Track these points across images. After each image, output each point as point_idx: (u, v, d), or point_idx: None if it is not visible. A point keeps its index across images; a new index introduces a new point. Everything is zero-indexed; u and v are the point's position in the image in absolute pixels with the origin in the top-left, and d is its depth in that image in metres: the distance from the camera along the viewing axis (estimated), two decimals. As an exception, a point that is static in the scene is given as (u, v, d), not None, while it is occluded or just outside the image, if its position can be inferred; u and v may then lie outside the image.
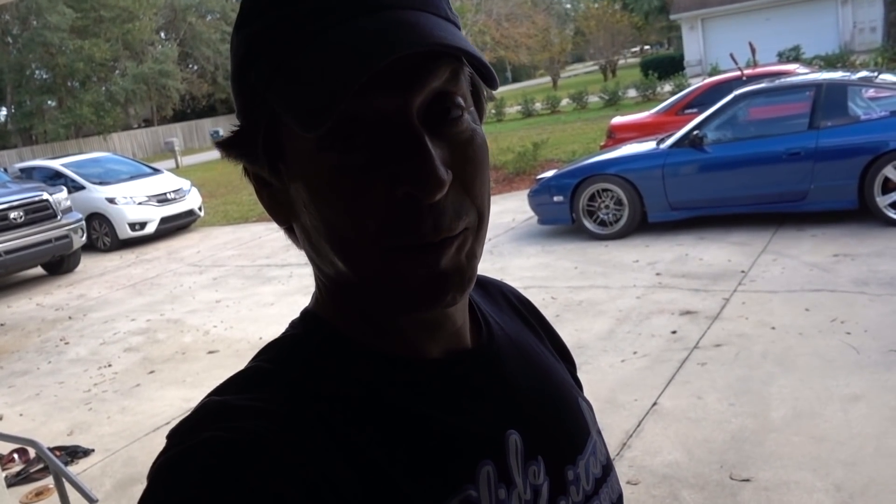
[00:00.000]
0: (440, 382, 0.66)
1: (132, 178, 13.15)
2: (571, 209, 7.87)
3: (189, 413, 0.59)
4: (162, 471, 0.55)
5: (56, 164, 13.43)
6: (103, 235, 12.37)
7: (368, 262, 0.59)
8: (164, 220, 12.45)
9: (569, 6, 59.57)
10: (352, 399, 0.61)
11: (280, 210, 0.64)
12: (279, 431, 0.56)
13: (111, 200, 12.26)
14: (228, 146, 0.63)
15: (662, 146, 7.67)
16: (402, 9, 0.56)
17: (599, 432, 0.81)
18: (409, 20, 0.55)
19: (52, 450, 3.67)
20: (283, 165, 0.60)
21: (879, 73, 7.92)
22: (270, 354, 0.66)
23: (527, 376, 0.74)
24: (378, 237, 0.57)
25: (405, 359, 0.65)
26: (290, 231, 0.67)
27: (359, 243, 0.58)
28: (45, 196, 10.23)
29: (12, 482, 4.28)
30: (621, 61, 43.30)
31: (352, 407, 0.61)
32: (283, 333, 0.69)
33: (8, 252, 9.58)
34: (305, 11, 0.56)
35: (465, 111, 0.60)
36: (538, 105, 24.60)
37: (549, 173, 8.51)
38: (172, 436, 0.58)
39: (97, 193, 12.38)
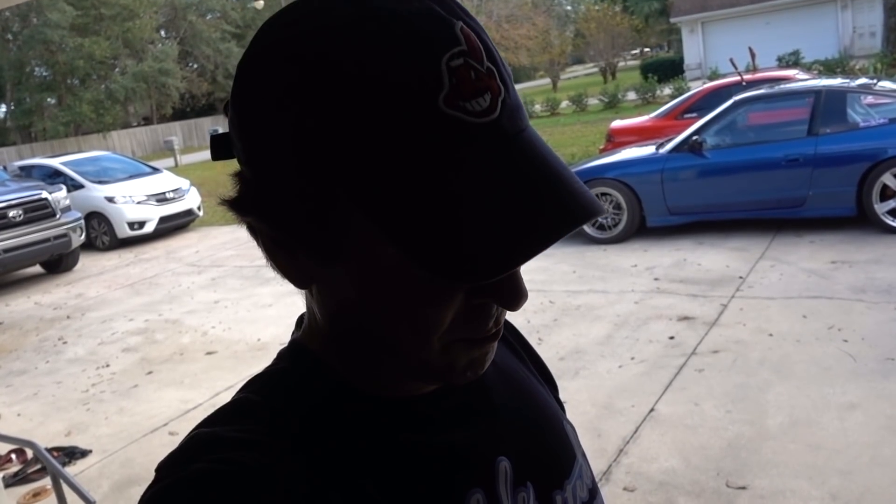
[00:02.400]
0: (429, 411, 0.65)
1: (131, 177, 13.14)
2: (570, 213, 7.86)
3: (177, 446, 0.59)
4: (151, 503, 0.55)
5: (55, 162, 13.41)
6: (102, 234, 12.36)
7: (425, 352, 0.58)
8: (162, 220, 12.44)
9: (569, 8, 59.60)
10: (339, 430, 0.61)
11: (303, 277, 0.60)
12: (267, 463, 0.56)
13: (110, 199, 12.25)
14: (244, 208, 0.57)
15: (662, 151, 7.69)
16: (520, 133, 0.54)
17: (584, 455, 0.81)
18: (541, 159, 0.53)
19: (49, 450, 3.67)
20: (332, 248, 0.55)
21: (878, 81, 7.94)
22: (258, 386, 0.65)
23: (514, 402, 0.74)
24: (443, 334, 0.57)
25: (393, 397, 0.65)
26: (304, 288, 0.63)
27: (420, 341, 0.57)
28: (45, 195, 10.22)
29: (10, 483, 4.28)
30: (621, 64, 43.35)
31: (339, 438, 0.61)
32: (271, 366, 0.68)
33: (6, 250, 9.57)
34: (423, 128, 0.50)
35: None
36: (538, 107, 24.65)
37: (549, 177, 8.50)
38: (161, 469, 0.57)
39: (96, 192, 12.37)
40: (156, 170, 13.94)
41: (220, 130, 0.63)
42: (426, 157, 0.50)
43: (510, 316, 0.88)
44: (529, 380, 0.81)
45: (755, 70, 11.49)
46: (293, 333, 0.71)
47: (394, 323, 0.57)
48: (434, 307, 0.55)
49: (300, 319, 0.71)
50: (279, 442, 0.58)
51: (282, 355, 0.68)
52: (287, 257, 0.58)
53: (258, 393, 0.64)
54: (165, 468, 0.57)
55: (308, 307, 0.66)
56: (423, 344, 0.57)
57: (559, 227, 0.50)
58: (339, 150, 0.50)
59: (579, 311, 5.90)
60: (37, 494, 4.15)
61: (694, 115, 9.43)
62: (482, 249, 0.48)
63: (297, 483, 0.56)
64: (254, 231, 0.60)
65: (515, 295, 0.56)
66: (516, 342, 0.86)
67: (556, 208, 0.50)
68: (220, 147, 0.61)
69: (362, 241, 0.53)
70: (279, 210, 0.55)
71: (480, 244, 0.48)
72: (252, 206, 0.57)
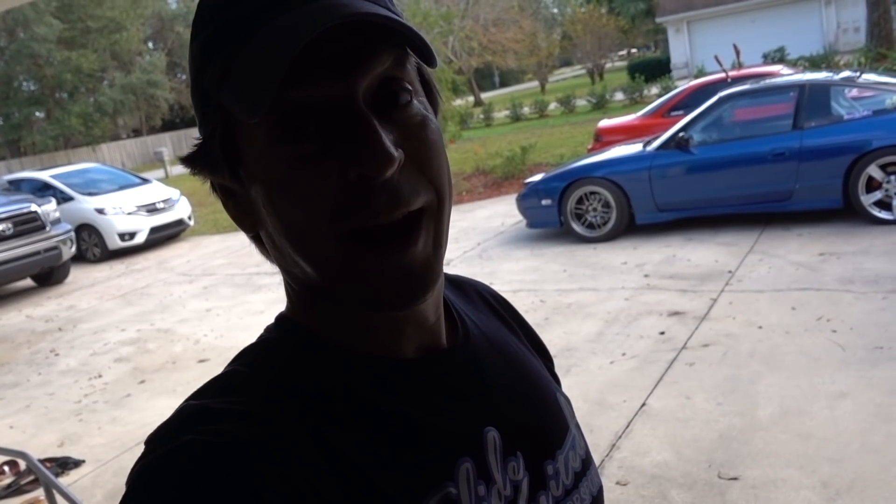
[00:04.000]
0: (417, 381, 0.66)
1: (121, 188, 13.11)
2: (560, 212, 7.90)
3: (166, 419, 0.59)
4: (142, 476, 0.55)
5: (44, 175, 13.37)
6: (93, 246, 12.33)
7: (326, 254, 0.58)
8: (153, 230, 12.42)
9: (556, 11, 59.79)
10: (329, 400, 0.62)
11: (245, 218, 0.65)
12: (258, 433, 0.56)
13: (100, 211, 12.22)
14: (192, 160, 0.64)
15: (649, 148, 7.72)
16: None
17: (578, 426, 0.81)
18: (342, 2, 0.56)
19: (42, 461, 3.66)
20: (242, 169, 0.61)
21: (862, 73, 7.99)
22: (247, 359, 0.66)
23: (504, 373, 0.74)
24: (332, 222, 0.57)
25: (380, 359, 0.65)
26: (256, 240, 0.67)
27: (315, 233, 0.58)
28: (34, 208, 10.19)
29: (3, 494, 4.27)
30: (608, 65, 43.49)
31: (329, 407, 0.61)
32: (258, 338, 0.69)
33: (-3, 264, 9.55)
34: (249, 12, 0.57)
35: (413, 96, 0.60)
36: (526, 109, 24.72)
37: (538, 177, 8.55)
38: (151, 441, 0.57)
39: (86, 204, 12.35)
40: (146, 180, 13.92)
41: None
42: (247, 24, 0.57)
43: (516, 297, 0.89)
44: (521, 351, 0.81)
45: (740, 67, 11.55)
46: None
47: (290, 219, 0.59)
48: (310, 187, 0.57)
49: None
50: (269, 413, 0.58)
51: (269, 328, 0.70)
52: (234, 203, 0.65)
53: (248, 365, 0.65)
54: (155, 440, 0.57)
55: (283, 280, 0.68)
56: (318, 236, 0.58)
57: (303, 34, 0.53)
58: (204, 65, 0.60)
59: (570, 309, 5.92)
60: (30, 505, 4.14)
61: (680, 112, 9.47)
62: (258, 78, 0.54)
63: (287, 453, 0.56)
64: (214, 188, 0.67)
65: (370, 151, 0.55)
66: (508, 315, 0.86)
67: (308, 23, 0.53)
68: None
69: (246, 144, 0.59)
70: (209, 153, 0.62)
71: (258, 74, 0.54)
72: (196, 158, 0.64)
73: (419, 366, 0.67)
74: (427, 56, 0.58)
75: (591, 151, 10.02)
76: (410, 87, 0.60)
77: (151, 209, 12.54)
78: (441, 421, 0.65)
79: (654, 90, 21.20)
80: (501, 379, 0.73)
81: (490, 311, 0.84)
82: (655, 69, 28.95)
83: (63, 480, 4.09)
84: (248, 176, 0.61)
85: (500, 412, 0.70)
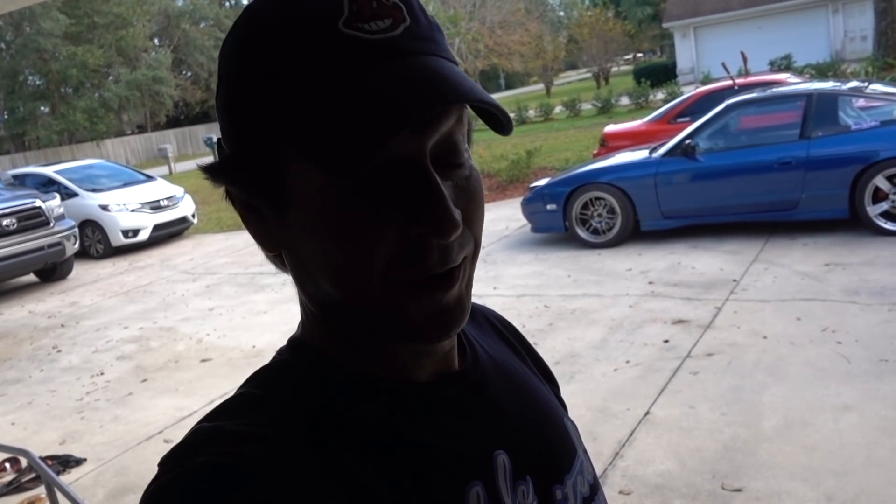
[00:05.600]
0: (428, 405, 0.66)
1: (125, 185, 13.13)
2: (564, 217, 7.89)
3: (180, 440, 0.59)
4: (156, 497, 0.55)
5: (49, 170, 13.40)
6: (96, 242, 12.34)
7: (369, 292, 0.59)
8: (157, 228, 12.43)
9: (562, 14, 59.80)
10: (340, 422, 0.62)
11: (270, 238, 0.64)
12: (270, 455, 0.56)
13: (104, 207, 12.23)
14: (217, 173, 0.62)
15: (655, 155, 7.71)
16: (423, 55, 0.57)
17: (586, 451, 0.81)
18: (435, 68, 0.56)
19: (43, 459, 3.66)
20: (282, 196, 0.59)
21: (870, 84, 7.98)
22: (259, 381, 0.66)
23: (512, 398, 0.74)
24: (383, 272, 0.57)
25: (393, 382, 0.65)
26: (277, 258, 0.66)
27: (360, 277, 0.58)
28: (38, 203, 10.20)
29: (4, 492, 4.27)
30: (614, 69, 43.46)
31: (341, 430, 0.61)
32: (271, 361, 0.69)
33: (0, 259, 9.55)
34: (325, 50, 0.55)
35: (467, 152, 0.61)
36: (531, 112, 24.69)
37: (543, 181, 8.54)
38: (164, 463, 0.58)
39: (90, 200, 12.36)
40: (150, 177, 13.94)
41: (215, 138, 0.68)
42: (327, 73, 0.54)
43: (506, 317, 0.88)
44: (528, 377, 0.82)
45: (747, 74, 11.54)
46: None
47: (338, 263, 0.58)
48: (368, 233, 0.56)
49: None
50: (282, 435, 0.58)
51: (281, 351, 0.70)
52: (257, 221, 0.63)
53: (260, 387, 0.65)
54: (169, 462, 0.57)
55: (300, 302, 0.68)
56: (366, 283, 0.58)
57: (420, 106, 0.52)
58: (264, 93, 0.57)
59: (574, 315, 5.91)
60: (31, 503, 4.14)
61: (687, 119, 9.47)
62: (353, 138, 0.52)
63: (300, 476, 0.56)
64: (231, 199, 0.65)
65: (437, 216, 0.55)
66: (515, 340, 0.86)
67: (421, 92, 0.53)
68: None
69: (296, 174, 0.57)
70: (242, 171, 0.60)
71: (352, 133, 0.52)
72: (222, 171, 0.62)
73: (431, 389, 0.67)
74: (506, 129, 0.59)
75: (597, 156, 10.01)
76: (466, 143, 0.61)
77: (155, 206, 12.54)
78: (452, 444, 0.65)
79: (660, 95, 21.18)
80: (510, 403, 0.74)
81: (497, 336, 0.84)
82: (661, 74, 28.95)
83: (64, 479, 4.09)
84: (289, 204, 0.59)
85: (509, 436, 0.70)
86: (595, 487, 0.78)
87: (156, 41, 46.34)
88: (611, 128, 11.96)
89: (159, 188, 13.24)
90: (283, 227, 0.61)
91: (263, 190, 0.60)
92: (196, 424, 0.61)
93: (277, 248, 0.64)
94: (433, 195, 0.56)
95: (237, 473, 0.54)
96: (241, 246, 10.75)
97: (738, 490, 3.25)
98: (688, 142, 7.45)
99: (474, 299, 0.68)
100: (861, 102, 7.20)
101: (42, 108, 40.34)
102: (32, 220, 10.01)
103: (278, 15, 0.57)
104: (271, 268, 0.69)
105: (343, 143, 0.52)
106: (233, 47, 0.60)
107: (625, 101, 23.29)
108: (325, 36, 0.55)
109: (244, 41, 0.59)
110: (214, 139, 0.70)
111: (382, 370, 0.65)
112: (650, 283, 6.41)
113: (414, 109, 0.52)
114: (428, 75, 0.55)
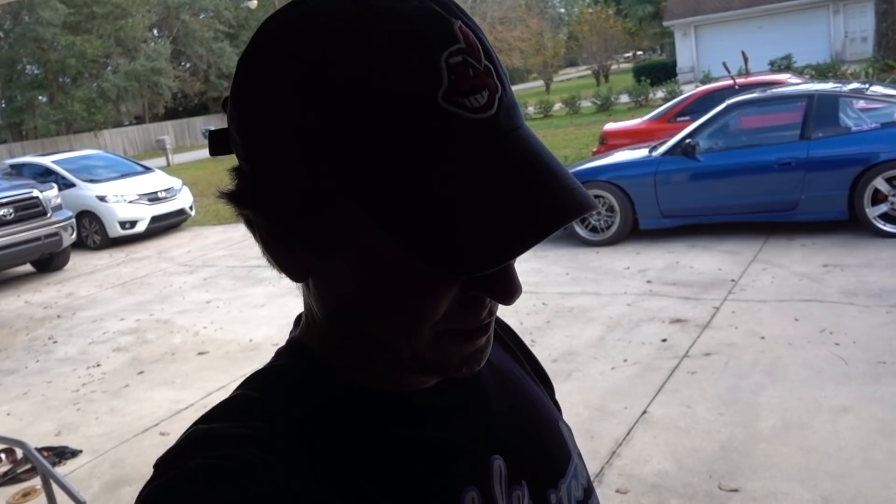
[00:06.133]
0: (425, 410, 0.66)
1: (123, 176, 13.09)
2: (563, 215, 7.87)
3: (175, 442, 0.59)
4: (150, 500, 0.54)
5: (46, 160, 13.35)
6: (93, 233, 12.31)
7: (416, 339, 0.58)
8: (154, 219, 12.40)
9: (562, 11, 59.75)
10: (337, 426, 0.61)
11: (299, 269, 0.60)
12: (266, 458, 0.56)
13: (102, 198, 12.20)
14: (242, 201, 0.58)
15: (655, 154, 7.71)
16: (516, 129, 0.54)
17: (580, 455, 0.82)
18: (542, 162, 0.53)
19: (39, 450, 3.65)
20: (331, 243, 0.56)
21: (870, 85, 7.98)
22: (256, 383, 0.65)
23: (509, 401, 0.74)
24: (437, 323, 0.57)
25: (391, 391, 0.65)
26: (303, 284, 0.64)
27: (412, 325, 0.57)
28: (35, 193, 10.17)
29: (-1, 483, 4.26)
30: (614, 66, 43.46)
31: (337, 434, 0.61)
32: (269, 363, 0.68)
33: (-3, 249, 9.53)
34: (425, 126, 0.50)
35: None
36: (531, 109, 24.68)
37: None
38: (159, 465, 0.57)
39: (88, 191, 12.32)
40: (148, 169, 13.90)
41: (213, 129, 0.64)
42: (424, 151, 0.50)
43: (504, 315, 0.88)
44: (525, 380, 0.82)
45: (748, 74, 11.53)
46: (291, 332, 0.71)
47: (388, 314, 0.57)
48: (429, 298, 0.56)
49: (298, 319, 0.71)
50: (279, 438, 0.58)
51: (280, 353, 0.69)
52: (284, 251, 0.59)
53: (257, 390, 0.64)
54: (164, 464, 0.57)
55: (305, 304, 0.66)
56: (414, 334, 0.57)
57: (551, 221, 0.51)
58: (339, 147, 0.51)
59: (572, 312, 5.91)
60: (26, 494, 4.13)
61: (687, 118, 9.46)
62: (476, 243, 0.49)
63: (297, 479, 0.56)
64: (251, 224, 0.60)
65: (509, 288, 0.56)
66: (513, 343, 0.86)
67: (549, 203, 0.51)
68: (219, 142, 0.61)
69: (359, 234, 0.54)
70: (277, 203, 0.56)
71: (474, 237, 0.49)
72: (250, 199, 0.58)
73: (429, 394, 0.67)
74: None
75: (596, 154, 10.01)
76: None
77: (153, 198, 12.51)
78: (447, 449, 0.65)
79: (660, 94, 21.19)
80: (506, 407, 0.74)
81: (495, 340, 0.84)
82: (661, 73, 28.98)
83: (60, 470, 4.08)
84: (341, 252, 0.56)
85: (505, 440, 0.70)
86: (589, 491, 0.79)
87: (155, 32, 46.24)
88: (610, 126, 11.95)
89: (157, 180, 13.20)
90: (323, 266, 0.59)
91: (308, 233, 0.56)
92: (191, 426, 0.60)
93: (307, 278, 0.61)
94: (505, 268, 0.56)
95: (232, 476, 0.54)
96: (238, 239, 10.71)
97: (735, 490, 3.25)
98: (688, 141, 7.45)
99: None
100: (861, 104, 7.20)
101: (40, 97, 40.23)
102: (29, 211, 9.98)
103: (375, 76, 0.50)
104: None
105: (463, 247, 0.49)
106: (318, 81, 0.51)
107: (624, 98, 23.29)
108: (423, 109, 0.50)
109: (312, 80, 0.51)
110: (212, 129, 0.64)
111: (384, 384, 0.65)
112: (648, 281, 6.41)
113: (548, 225, 0.50)
114: (538, 173, 0.52)
